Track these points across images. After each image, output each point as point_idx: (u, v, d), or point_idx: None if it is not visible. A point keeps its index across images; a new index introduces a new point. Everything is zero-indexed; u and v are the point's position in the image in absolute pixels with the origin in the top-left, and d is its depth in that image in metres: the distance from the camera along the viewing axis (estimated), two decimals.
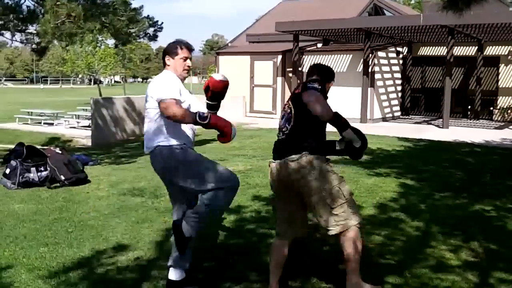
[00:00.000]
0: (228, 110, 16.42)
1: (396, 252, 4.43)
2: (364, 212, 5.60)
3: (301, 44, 17.39)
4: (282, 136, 3.51)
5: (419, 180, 7.36)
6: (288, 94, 17.16)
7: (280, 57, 17.32)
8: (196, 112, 3.39)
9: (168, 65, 3.74)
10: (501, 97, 17.45)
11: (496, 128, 15.12)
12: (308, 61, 17.11)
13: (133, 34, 11.13)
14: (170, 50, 3.76)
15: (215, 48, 55.25)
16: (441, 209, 5.83)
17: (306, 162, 3.34)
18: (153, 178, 7.43)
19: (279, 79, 17.34)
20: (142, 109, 13.66)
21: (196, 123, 3.39)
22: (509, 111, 16.90)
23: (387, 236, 4.82)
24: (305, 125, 3.41)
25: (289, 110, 3.49)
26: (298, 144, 3.39)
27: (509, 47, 17.30)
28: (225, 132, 3.42)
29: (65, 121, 19.16)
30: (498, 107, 17.34)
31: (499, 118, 17.05)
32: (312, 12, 21.28)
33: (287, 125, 3.47)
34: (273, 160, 3.53)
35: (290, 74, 17.20)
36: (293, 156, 3.36)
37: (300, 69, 17.04)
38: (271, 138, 11.62)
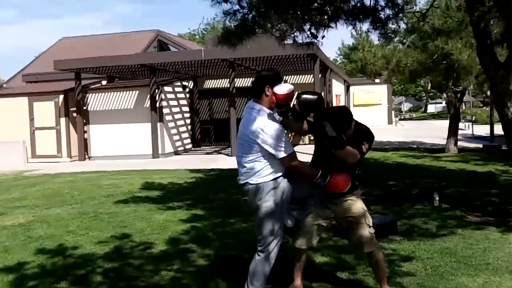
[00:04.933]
0: (6, 157, 15.03)
1: (189, 284, 4.40)
2: (156, 249, 5.50)
3: (84, 82, 16.81)
4: None
5: (210, 209, 7.53)
6: (74, 135, 16.36)
7: (62, 96, 16.34)
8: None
9: (266, 96, 3.45)
10: None
11: None
12: (93, 99, 16.54)
13: None
14: (275, 79, 3.47)
15: None
16: (230, 235, 6.01)
17: None
18: None
19: (63, 119, 16.31)
20: None
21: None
22: (289, 135, 18.44)
23: (178, 269, 4.78)
24: None
25: None
26: None
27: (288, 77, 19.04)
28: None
29: None
30: None
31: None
32: (95, 48, 20.81)
33: None
34: None
35: (75, 114, 16.38)
36: None
37: (85, 108, 16.38)
38: (57, 184, 11.02)
